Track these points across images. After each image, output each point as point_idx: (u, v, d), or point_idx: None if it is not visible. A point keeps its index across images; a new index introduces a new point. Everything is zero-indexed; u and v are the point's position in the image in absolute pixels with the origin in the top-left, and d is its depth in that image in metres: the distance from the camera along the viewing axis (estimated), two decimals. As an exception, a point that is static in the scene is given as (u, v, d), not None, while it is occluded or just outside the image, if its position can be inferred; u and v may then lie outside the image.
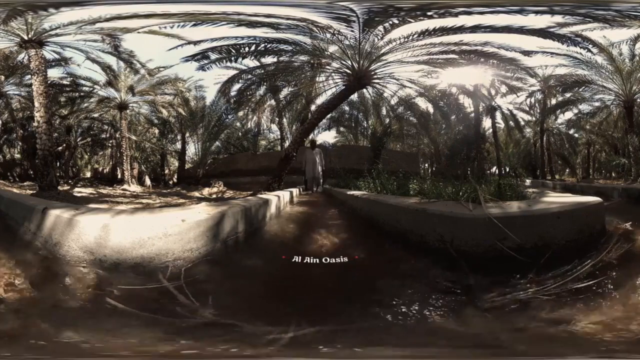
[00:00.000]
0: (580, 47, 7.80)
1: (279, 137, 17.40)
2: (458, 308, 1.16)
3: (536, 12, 5.82)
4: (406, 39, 7.45)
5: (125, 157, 13.99)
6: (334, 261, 1.84)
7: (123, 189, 11.99)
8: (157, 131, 18.46)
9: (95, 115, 16.50)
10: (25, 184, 11.87)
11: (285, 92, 11.79)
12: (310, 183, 8.33)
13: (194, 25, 6.72)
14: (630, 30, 7.62)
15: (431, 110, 13.79)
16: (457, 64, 8.72)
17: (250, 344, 0.90)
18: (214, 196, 9.11)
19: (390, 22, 6.58)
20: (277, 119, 16.57)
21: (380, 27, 6.77)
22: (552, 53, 8.38)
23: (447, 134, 16.55)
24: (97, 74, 12.92)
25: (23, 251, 1.65)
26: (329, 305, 1.23)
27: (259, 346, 0.89)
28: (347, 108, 16.61)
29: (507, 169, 18.72)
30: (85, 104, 15.01)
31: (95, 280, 1.37)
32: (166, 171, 20.33)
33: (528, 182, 11.57)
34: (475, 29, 6.78)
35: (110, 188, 12.24)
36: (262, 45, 7.72)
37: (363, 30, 6.68)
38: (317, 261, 1.84)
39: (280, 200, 3.56)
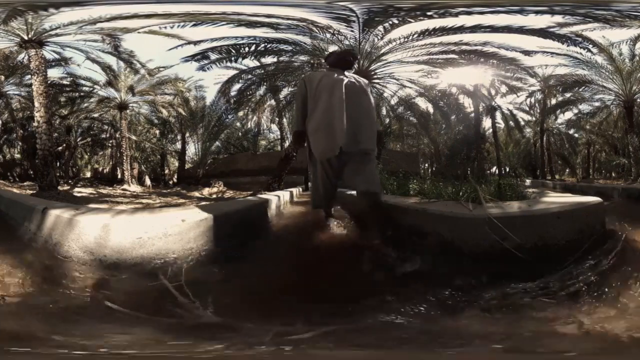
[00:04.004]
0: (580, 47, 7.81)
1: (279, 137, 17.44)
2: (457, 308, 1.16)
3: (536, 12, 5.83)
4: (406, 39, 7.46)
5: (125, 157, 14.03)
6: (334, 261, 1.84)
7: (123, 189, 12.02)
8: (157, 131, 18.51)
9: (95, 115, 16.54)
10: (25, 184, 11.89)
11: (285, 92, 11.81)
12: (326, 180, 2.44)
13: (194, 25, 6.73)
14: (630, 30, 7.64)
15: (431, 110, 13.83)
16: (457, 64, 8.73)
17: (251, 344, 0.90)
18: (214, 196, 9.12)
19: (390, 22, 6.59)
20: (277, 119, 16.60)
21: (380, 27, 6.78)
22: (552, 53, 8.39)
23: (447, 134, 16.58)
24: (97, 74, 12.98)
25: (23, 251, 1.65)
26: (330, 304, 1.23)
27: (259, 346, 0.89)
28: (347, 108, 16.60)
29: (507, 169, 18.75)
30: (85, 104, 15.05)
31: (95, 281, 1.37)
32: (166, 171, 20.38)
33: (528, 182, 11.58)
34: (475, 29, 6.79)
35: (110, 188, 12.26)
36: (262, 45, 7.73)
37: (363, 30, 6.70)
38: (317, 261, 1.84)
39: (280, 200, 3.57)
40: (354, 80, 2.42)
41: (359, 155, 2.27)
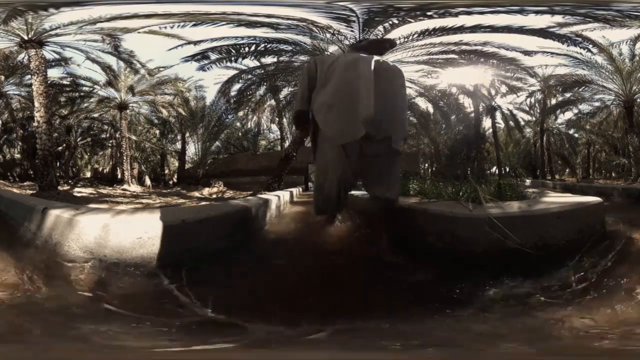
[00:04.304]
0: (580, 47, 7.81)
1: (279, 137, 17.46)
2: (457, 308, 1.16)
3: (536, 12, 5.83)
4: (406, 39, 7.46)
5: (125, 157, 14.04)
6: (334, 261, 1.84)
7: (123, 189, 12.02)
8: (157, 131, 18.52)
9: (95, 115, 16.57)
10: (25, 184, 11.89)
11: (285, 92, 11.82)
12: (334, 177, 1.90)
13: (194, 25, 6.73)
14: (630, 30, 7.65)
15: (431, 110, 13.84)
16: (457, 64, 8.74)
17: (252, 344, 0.90)
18: (214, 196, 9.12)
19: (390, 22, 6.59)
20: (277, 119, 16.61)
21: (380, 27, 6.78)
22: (552, 53, 8.40)
23: (447, 134, 16.59)
24: (97, 74, 12.99)
25: (23, 251, 1.65)
26: (331, 305, 1.23)
27: (260, 346, 0.89)
28: (347, 108, 16.61)
29: (507, 169, 18.75)
30: (85, 104, 15.07)
31: (95, 281, 1.37)
32: (166, 171, 20.38)
33: (528, 182, 11.58)
34: (475, 29, 6.79)
35: (110, 188, 12.27)
36: (262, 45, 7.74)
37: (363, 30, 6.69)
38: (317, 261, 1.84)
39: (280, 200, 3.56)
40: (385, 60, 1.95)
41: (385, 152, 1.80)
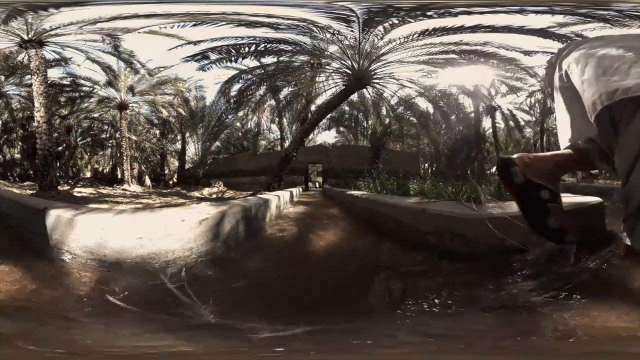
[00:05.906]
0: (580, 47, 7.79)
1: (279, 137, 17.46)
2: (457, 308, 1.16)
3: (536, 12, 5.84)
4: (406, 39, 7.46)
5: (125, 157, 14.05)
6: (333, 260, 1.84)
7: (123, 189, 12.03)
8: (157, 131, 18.52)
9: (95, 115, 16.57)
10: (25, 184, 11.89)
11: (285, 92, 11.84)
12: None
13: (194, 25, 6.73)
14: (630, 30, 7.63)
15: (431, 110, 13.84)
16: (457, 64, 8.74)
17: (252, 344, 0.90)
18: (214, 196, 9.12)
19: (390, 22, 6.59)
20: (277, 119, 16.62)
21: (380, 27, 6.78)
22: (552, 53, 8.38)
23: (447, 134, 16.58)
24: (97, 74, 12.99)
25: (23, 251, 1.65)
26: (330, 304, 1.23)
27: (260, 346, 0.89)
28: (347, 108, 16.67)
29: (507, 169, 18.68)
30: (85, 104, 15.07)
31: (95, 281, 1.37)
32: (166, 171, 20.39)
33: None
34: (475, 29, 6.79)
35: (110, 188, 12.27)
36: (262, 45, 7.74)
37: (363, 30, 6.69)
38: (317, 260, 1.84)
39: (280, 200, 3.56)
40: None
41: None
